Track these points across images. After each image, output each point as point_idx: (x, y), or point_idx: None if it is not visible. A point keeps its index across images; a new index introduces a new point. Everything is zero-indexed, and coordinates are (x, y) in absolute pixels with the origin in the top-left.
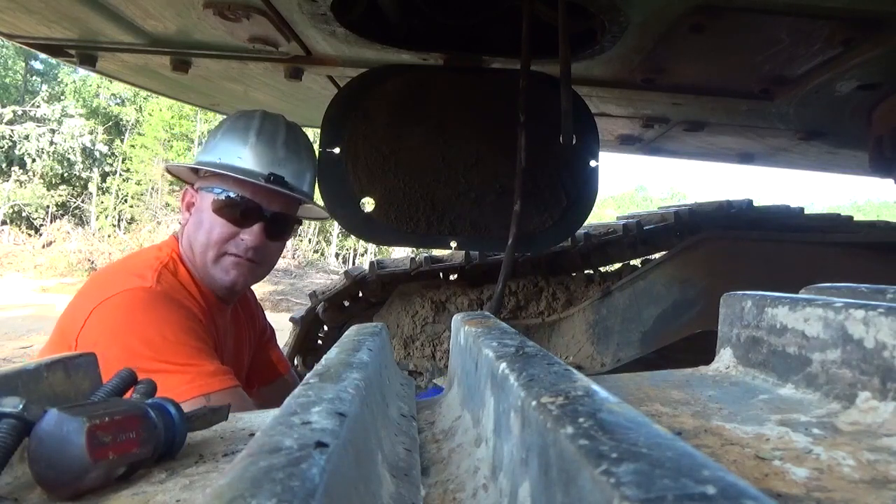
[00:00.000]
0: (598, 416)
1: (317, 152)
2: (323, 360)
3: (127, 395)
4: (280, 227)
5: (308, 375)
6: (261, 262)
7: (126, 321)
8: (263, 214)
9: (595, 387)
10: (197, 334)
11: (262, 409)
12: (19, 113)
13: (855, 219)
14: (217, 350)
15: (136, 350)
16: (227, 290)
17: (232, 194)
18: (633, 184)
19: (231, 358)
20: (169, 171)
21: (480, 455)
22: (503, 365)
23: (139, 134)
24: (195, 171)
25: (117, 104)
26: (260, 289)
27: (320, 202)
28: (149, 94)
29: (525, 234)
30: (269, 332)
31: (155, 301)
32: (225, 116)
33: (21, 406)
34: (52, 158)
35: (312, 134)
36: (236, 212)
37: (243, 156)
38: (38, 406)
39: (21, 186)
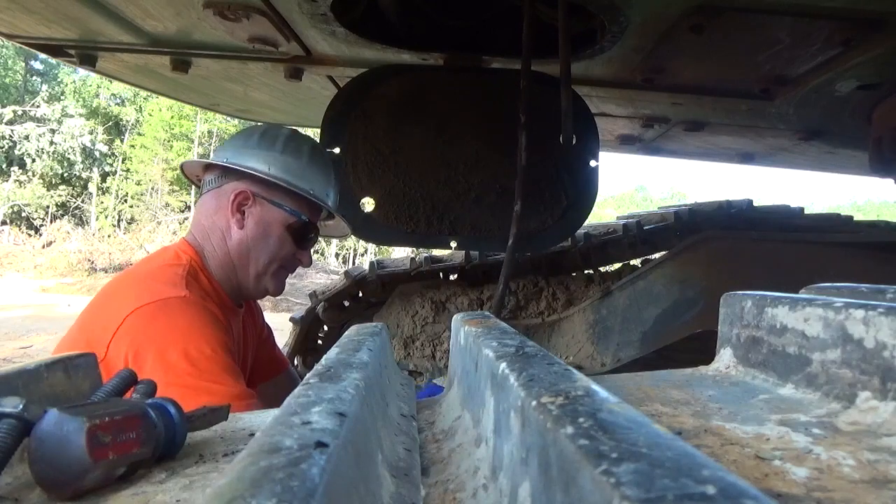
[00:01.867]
0: (598, 416)
1: None
2: (323, 360)
3: (127, 395)
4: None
5: (308, 375)
6: None
7: (164, 331)
8: (316, 237)
9: (595, 387)
10: (228, 348)
11: (263, 405)
12: (19, 113)
13: (855, 219)
14: (235, 355)
15: (174, 362)
16: (257, 296)
17: (304, 218)
18: (633, 184)
19: (239, 359)
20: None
21: (480, 455)
22: (503, 365)
23: (139, 134)
24: (227, 168)
25: (117, 104)
26: None
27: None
28: (149, 94)
29: (525, 234)
30: (267, 331)
31: (191, 312)
32: (259, 123)
33: (21, 406)
34: (51, 158)
35: (312, 134)
36: (304, 234)
37: (311, 180)
38: (38, 406)
39: (21, 186)
